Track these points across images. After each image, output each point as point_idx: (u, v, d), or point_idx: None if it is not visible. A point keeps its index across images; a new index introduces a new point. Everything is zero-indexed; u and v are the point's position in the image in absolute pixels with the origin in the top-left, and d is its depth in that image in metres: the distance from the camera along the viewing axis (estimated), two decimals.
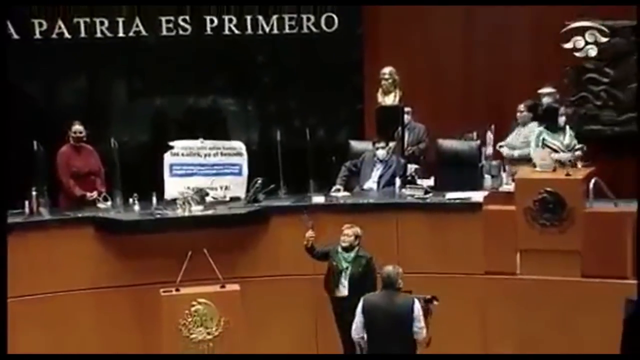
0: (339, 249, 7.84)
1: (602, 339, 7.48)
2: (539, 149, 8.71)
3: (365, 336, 6.89)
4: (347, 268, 7.78)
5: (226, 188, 9.00)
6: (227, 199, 8.95)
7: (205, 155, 9.01)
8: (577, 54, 10.29)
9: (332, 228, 8.22)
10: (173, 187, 8.86)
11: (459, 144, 9.69)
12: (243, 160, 9.07)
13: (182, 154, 8.98)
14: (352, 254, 7.80)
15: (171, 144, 9.03)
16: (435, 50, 10.99)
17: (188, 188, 8.74)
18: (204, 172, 8.98)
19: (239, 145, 9.17)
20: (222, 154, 9.06)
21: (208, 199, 8.77)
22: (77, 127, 8.99)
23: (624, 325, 6.35)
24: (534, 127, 9.27)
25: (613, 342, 6.56)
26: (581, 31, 10.26)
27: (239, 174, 9.05)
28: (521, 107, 9.50)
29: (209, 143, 9.05)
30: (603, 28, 10.21)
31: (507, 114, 10.09)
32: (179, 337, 7.69)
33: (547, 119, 9.05)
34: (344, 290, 7.74)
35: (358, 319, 6.93)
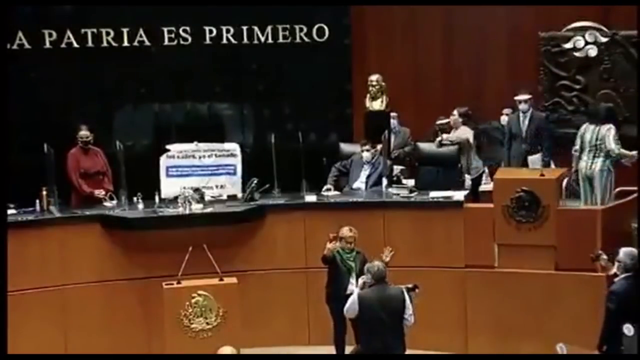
0: (340, 251, 7.92)
1: (574, 327, 7.77)
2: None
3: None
4: (353, 266, 7.89)
5: (222, 187, 9.22)
6: (224, 196, 9.15)
7: (200, 157, 9.21)
8: (576, 54, 10.60)
9: (324, 224, 8.57)
10: (169, 187, 9.08)
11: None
12: (237, 161, 9.26)
13: (178, 157, 9.18)
14: (354, 253, 7.94)
15: (168, 147, 9.23)
16: (419, 59, 11.27)
17: (184, 188, 8.96)
18: (199, 173, 9.17)
19: (233, 147, 9.34)
20: (216, 156, 9.24)
21: (206, 197, 8.98)
22: (84, 132, 9.28)
23: (608, 315, 6.74)
24: (467, 130, 9.66)
25: (584, 329, 7.03)
26: (581, 31, 10.57)
27: (234, 173, 9.24)
28: (455, 112, 9.78)
29: (204, 146, 9.24)
30: (603, 28, 10.54)
31: (487, 116, 10.48)
32: (180, 326, 7.87)
33: (610, 118, 9.20)
34: (352, 287, 7.67)
35: (353, 308, 7.04)
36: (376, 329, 6.95)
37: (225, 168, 9.25)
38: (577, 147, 8.95)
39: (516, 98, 9.99)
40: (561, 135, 10.25)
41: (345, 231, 7.91)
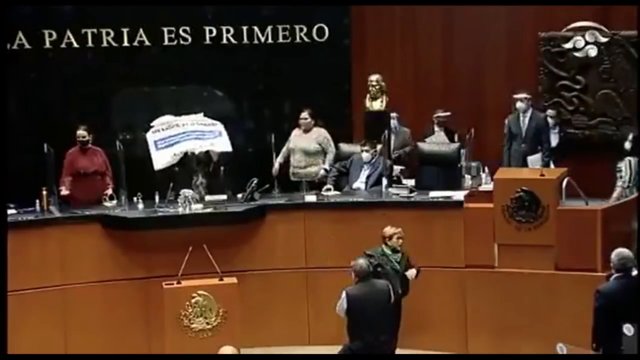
0: (387, 252, 7.83)
1: (574, 327, 7.69)
2: None
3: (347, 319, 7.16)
4: (399, 268, 7.83)
5: (211, 145, 9.13)
6: (215, 151, 9.12)
7: (184, 125, 9.18)
8: (576, 54, 10.61)
9: (324, 224, 8.63)
10: (161, 158, 9.02)
11: (439, 146, 9.91)
12: (221, 127, 9.19)
13: (162, 129, 9.16)
14: (400, 254, 7.91)
15: (152, 123, 9.24)
16: (419, 59, 11.30)
17: (174, 155, 8.97)
18: (186, 139, 9.09)
19: (216, 122, 9.29)
20: (198, 124, 9.22)
21: (196, 151, 9.03)
22: (81, 132, 9.27)
23: (594, 314, 6.77)
24: (321, 131, 9.72)
25: (584, 330, 6.94)
26: (581, 31, 10.58)
27: (220, 135, 9.16)
28: (304, 114, 9.78)
29: (185, 118, 9.25)
30: (603, 28, 10.55)
31: (487, 116, 10.48)
32: (180, 326, 7.86)
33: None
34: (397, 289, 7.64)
35: (343, 307, 7.14)
36: (366, 323, 7.06)
37: (210, 133, 9.17)
38: (624, 179, 9.10)
39: (514, 97, 10.03)
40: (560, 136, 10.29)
41: (395, 231, 7.87)
